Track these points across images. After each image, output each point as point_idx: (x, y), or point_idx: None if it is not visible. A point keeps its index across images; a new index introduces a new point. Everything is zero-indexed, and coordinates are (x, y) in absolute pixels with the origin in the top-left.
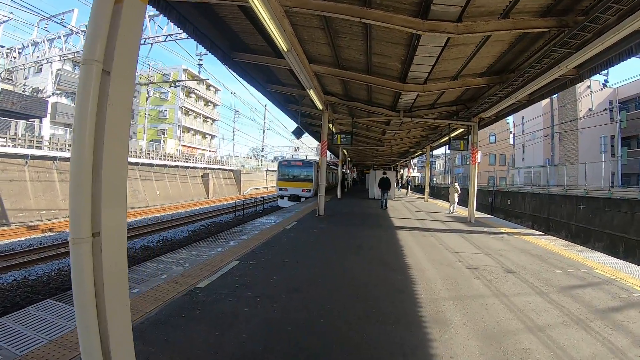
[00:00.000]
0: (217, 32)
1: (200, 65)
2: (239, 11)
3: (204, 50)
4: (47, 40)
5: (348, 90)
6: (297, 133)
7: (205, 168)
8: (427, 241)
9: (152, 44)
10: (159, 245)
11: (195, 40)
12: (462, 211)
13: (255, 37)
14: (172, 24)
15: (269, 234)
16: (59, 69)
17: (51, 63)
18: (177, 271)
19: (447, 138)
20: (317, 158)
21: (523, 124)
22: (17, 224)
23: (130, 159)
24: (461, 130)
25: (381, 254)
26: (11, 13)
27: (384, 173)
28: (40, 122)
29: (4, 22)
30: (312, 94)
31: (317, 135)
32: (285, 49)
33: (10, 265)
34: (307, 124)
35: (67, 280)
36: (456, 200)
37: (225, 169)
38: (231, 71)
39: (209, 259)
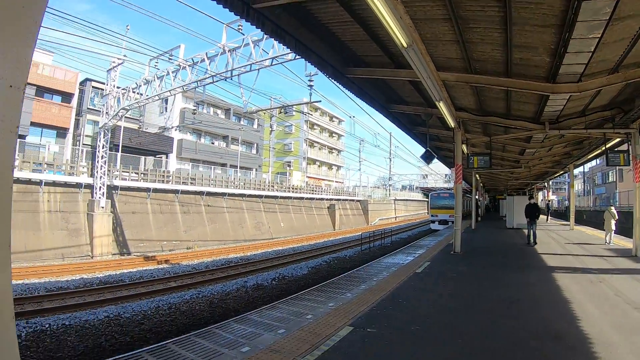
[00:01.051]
0: (323, 44)
1: (310, 87)
2: (342, 11)
3: (314, 70)
4: (158, 78)
5: (482, 102)
6: (427, 157)
7: (331, 199)
8: (597, 290)
9: (258, 69)
10: (274, 283)
11: (299, 55)
12: (619, 241)
13: (369, 46)
14: (276, 45)
15: (395, 281)
16: (183, 108)
17: (163, 100)
18: (265, 341)
19: (596, 153)
20: (446, 185)
21: None
22: (137, 254)
23: (253, 192)
24: (617, 140)
25: (544, 314)
26: (124, 55)
27: (530, 198)
28: (167, 157)
29: (120, 64)
30: (442, 107)
31: (447, 161)
32: (405, 44)
33: (108, 299)
34: (435, 147)
35: (162, 323)
36: (613, 228)
37: (352, 200)
38: (345, 90)
39: (314, 322)
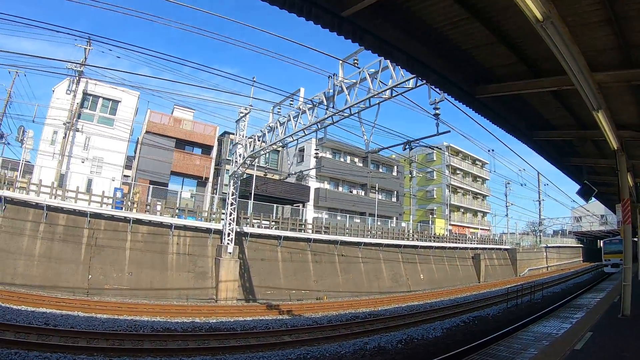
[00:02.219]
0: (442, 58)
1: (436, 116)
2: (453, 4)
3: (438, 97)
4: (280, 124)
5: None
6: (585, 193)
7: (476, 248)
8: None
9: (378, 104)
10: (399, 347)
11: (413, 73)
12: None
13: (497, 51)
14: (394, 74)
15: None
16: (317, 157)
17: (299, 149)
18: None
19: None
20: (602, 228)
21: None
22: (262, 301)
23: (391, 241)
24: None
25: None
26: (250, 105)
27: None
28: (304, 206)
29: (247, 114)
30: (600, 119)
31: (604, 197)
32: (540, 16)
33: (208, 348)
34: (590, 182)
35: None
36: None
37: (499, 249)
38: (477, 118)
39: None
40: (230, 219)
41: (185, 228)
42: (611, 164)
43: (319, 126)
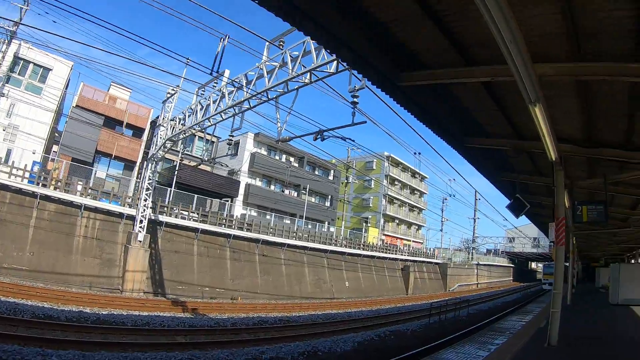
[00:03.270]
0: (357, 32)
1: (354, 105)
2: None
3: (359, 84)
4: (202, 108)
5: (591, 125)
6: (515, 208)
7: (406, 260)
8: None
9: (297, 88)
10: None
11: (319, 43)
12: None
13: (421, 28)
14: (315, 57)
15: None
16: (253, 152)
17: (233, 143)
18: None
19: None
20: (534, 250)
21: None
22: (171, 297)
23: (317, 245)
24: None
25: None
26: (177, 86)
27: None
28: (232, 201)
29: (173, 95)
30: (537, 114)
31: (537, 219)
32: None
33: (82, 342)
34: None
35: None
36: None
37: (430, 262)
38: (395, 111)
39: None
40: (144, 205)
41: (96, 210)
42: (547, 182)
43: (236, 110)
